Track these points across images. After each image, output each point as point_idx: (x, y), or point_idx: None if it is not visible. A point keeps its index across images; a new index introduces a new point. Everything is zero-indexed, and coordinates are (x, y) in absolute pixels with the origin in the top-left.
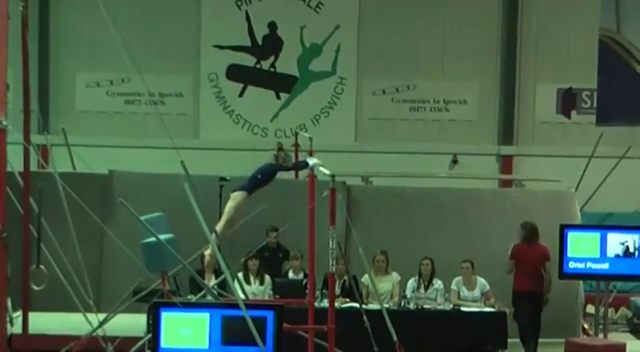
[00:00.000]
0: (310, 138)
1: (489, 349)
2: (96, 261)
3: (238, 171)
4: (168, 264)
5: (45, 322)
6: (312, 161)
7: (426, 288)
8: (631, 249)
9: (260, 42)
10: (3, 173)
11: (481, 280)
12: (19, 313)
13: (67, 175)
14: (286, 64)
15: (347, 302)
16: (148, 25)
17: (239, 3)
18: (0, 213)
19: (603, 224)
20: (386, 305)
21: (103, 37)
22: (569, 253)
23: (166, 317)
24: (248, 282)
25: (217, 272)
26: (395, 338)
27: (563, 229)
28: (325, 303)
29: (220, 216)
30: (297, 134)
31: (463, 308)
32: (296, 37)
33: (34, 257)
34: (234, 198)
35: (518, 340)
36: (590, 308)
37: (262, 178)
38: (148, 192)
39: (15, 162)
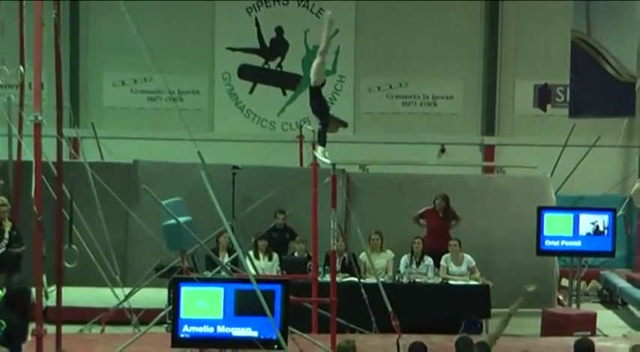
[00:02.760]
0: (313, 131)
1: (474, 318)
2: (122, 241)
3: (249, 161)
4: (187, 243)
5: (76, 295)
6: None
7: (418, 264)
8: (601, 228)
9: (268, 44)
10: (39, 163)
11: (467, 256)
12: (54, 288)
13: (96, 164)
14: (291, 64)
15: (346, 277)
16: (168, 30)
17: (249, 10)
18: (37, 198)
19: (576, 206)
20: (381, 280)
21: (128, 41)
22: (545, 232)
23: (185, 291)
24: (257, 258)
25: (230, 251)
26: (390, 308)
27: (540, 210)
28: (327, 278)
29: (234, 203)
30: (301, 127)
31: (451, 282)
32: (300, 40)
33: (66, 238)
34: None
35: (500, 310)
36: (565, 282)
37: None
38: (168, 179)
39: (49, 153)
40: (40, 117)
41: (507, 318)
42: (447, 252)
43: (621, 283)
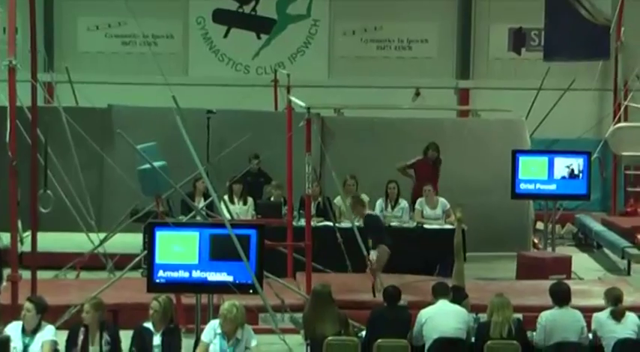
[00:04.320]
0: (288, 75)
1: (449, 261)
2: (96, 186)
3: (224, 105)
4: (162, 188)
5: (52, 241)
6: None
7: (393, 208)
8: (575, 172)
9: None
10: (13, 107)
11: (442, 200)
12: (29, 233)
13: (71, 109)
14: (266, 8)
15: (321, 221)
16: None
17: None
18: (11, 143)
19: (551, 149)
20: (356, 224)
21: None
22: (520, 175)
23: (160, 235)
24: (232, 203)
25: (206, 196)
26: (365, 252)
27: (515, 154)
28: (302, 222)
29: (208, 147)
30: (276, 71)
31: (426, 226)
32: None
33: (41, 182)
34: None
35: (476, 253)
36: (540, 225)
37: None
38: (143, 123)
39: (23, 98)
40: (14, 62)
41: (459, 250)
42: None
43: (596, 226)
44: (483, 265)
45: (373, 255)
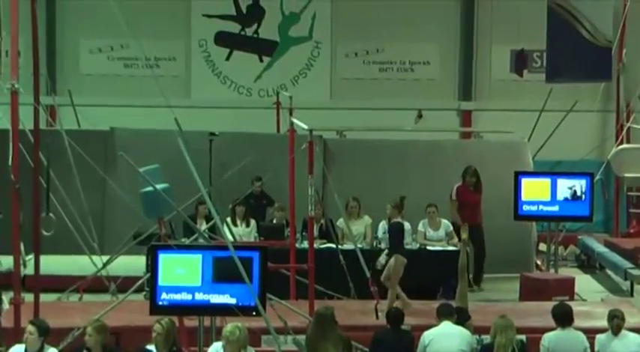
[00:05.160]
0: (290, 97)
1: (452, 283)
2: (99, 208)
3: (226, 127)
4: (164, 210)
5: (54, 264)
6: None
7: None
8: (578, 193)
9: (244, 11)
10: (16, 131)
11: (445, 221)
12: (31, 256)
13: (73, 132)
14: (268, 30)
15: (324, 244)
16: None
17: None
18: (14, 166)
19: (553, 170)
20: (359, 246)
21: (104, 8)
22: (523, 197)
23: (163, 258)
24: (235, 225)
25: (208, 218)
26: (367, 274)
27: (518, 176)
28: (305, 244)
29: (211, 170)
30: (278, 93)
31: (429, 248)
32: (276, 7)
33: (43, 205)
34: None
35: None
36: (543, 246)
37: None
38: (145, 146)
39: (26, 121)
40: (17, 85)
41: (463, 272)
42: (480, 225)
43: (599, 247)
44: (486, 286)
45: (382, 259)
